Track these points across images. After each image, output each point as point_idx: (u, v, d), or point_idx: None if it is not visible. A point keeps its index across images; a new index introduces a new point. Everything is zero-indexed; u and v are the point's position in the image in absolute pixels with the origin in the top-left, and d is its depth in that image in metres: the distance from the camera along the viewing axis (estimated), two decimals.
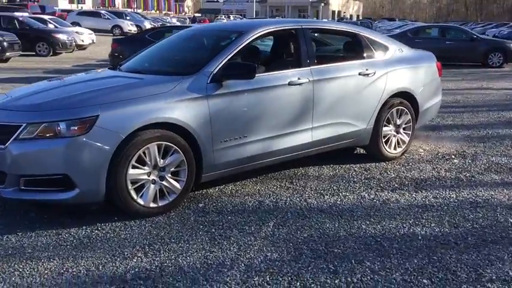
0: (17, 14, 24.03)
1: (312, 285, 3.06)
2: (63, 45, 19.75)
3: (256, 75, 4.61)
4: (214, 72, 4.32)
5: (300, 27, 5.12)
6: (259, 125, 4.61)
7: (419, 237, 3.76)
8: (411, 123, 5.90)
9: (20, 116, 3.85)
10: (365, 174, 5.30)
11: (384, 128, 5.64)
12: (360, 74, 5.33)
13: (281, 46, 5.87)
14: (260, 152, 4.68)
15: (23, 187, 3.80)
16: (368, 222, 4.04)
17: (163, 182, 4.12)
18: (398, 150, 5.86)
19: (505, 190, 4.82)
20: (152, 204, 4.07)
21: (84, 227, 3.88)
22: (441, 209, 4.34)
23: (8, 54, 15.91)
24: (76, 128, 3.71)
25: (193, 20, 27.89)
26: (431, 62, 6.24)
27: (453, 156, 6.06)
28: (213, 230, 3.85)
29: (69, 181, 3.73)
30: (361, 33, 5.63)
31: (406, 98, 5.79)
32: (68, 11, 39.74)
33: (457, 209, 4.34)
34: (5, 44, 15.61)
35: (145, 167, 3.99)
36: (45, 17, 25.08)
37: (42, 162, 3.72)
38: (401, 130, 5.85)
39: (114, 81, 4.59)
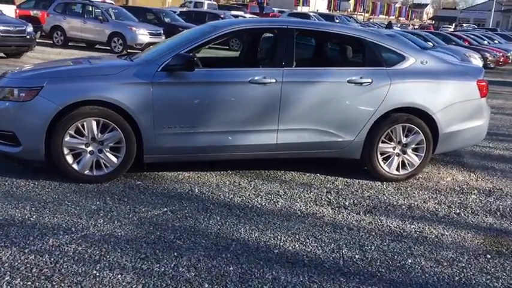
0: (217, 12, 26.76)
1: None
2: None
3: (213, 69, 4.76)
4: (168, 62, 4.61)
5: (284, 27, 5.02)
6: (212, 118, 4.74)
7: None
8: (424, 145, 5.22)
9: (2, 82, 4.75)
10: (338, 188, 4.95)
11: (382, 144, 5.14)
12: (349, 81, 4.97)
13: (258, 45, 5.77)
14: (212, 144, 4.80)
15: None
16: (266, 231, 3.90)
17: (101, 155, 4.60)
18: (402, 172, 5.26)
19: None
20: (87, 172, 4.60)
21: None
22: (361, 241, 3.91)
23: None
24: (24, 95, 4.44)
25: (388, 26, 27.14)
26: (467, 79, 5.38)
27: (475, 191, 5.17)
28: (109, 203, 4.19)
29: (16, 138, 4.49)
30: (367, 39, 5.20)
31: (419, 115, 5.16)
32: (296, 13, 41.28)
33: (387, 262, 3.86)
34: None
35: (83, 138, 4.53)
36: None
37: (0, 119, 4.55)
38: (409, 150, 5.23)
39: (89, 63, 5.20)
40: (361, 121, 5.04)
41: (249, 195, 4.60)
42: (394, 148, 5.20)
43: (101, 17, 18.10)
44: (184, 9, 30.00)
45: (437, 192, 5.07)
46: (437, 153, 5.53)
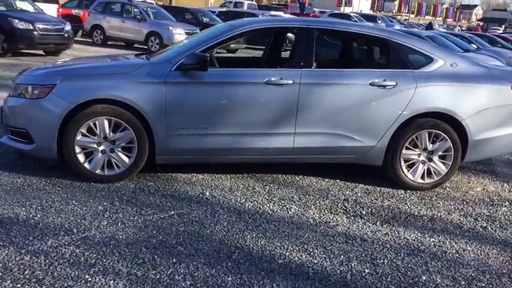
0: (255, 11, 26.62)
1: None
2: None
3: (228, 69, 4.64)
4: (182, 61, 4.49)
5: (304, 26, 4.82)
6: (225, 119, 4.60)
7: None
8: (452, 153, 4.92)
9: (19, 79, 4.75)
10: (357, 196, 4.72)
11: (406, 151, 4.87)
12: (371, 84, 4.73)
13: (277, 45, 5.57)
14: (225, 146, 4.67)
15: (10, 135, 4.70)
16: (273, 240, 3.73)
17: (113, 154, 4.53)
18: (428, 180, 4.98)
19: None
20: (98, 171, 4.54)
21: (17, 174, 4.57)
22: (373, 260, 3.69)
23: None
24: (37, 92, 4.42)
25: (429, 27, 26.34)
26: (501, 83, 5.03)
27: (506, 203, 4.84)
28: (117, 204, 4.11)
29: (29, 136, 4.47)
30: (391, 40, 4.93)
31: (447, 121, 4.86)
32: (337, 14, 40.64)
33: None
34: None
35: (95, 137, 4.47)
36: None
37: (15, 116, 4.55)
38: (435, 158, 4.94)
39: (107, 61, 5.14)
40: (384, 126, 4.79)
41: (261, 200, 4.43)
42: (419, 155, 4.92)
43: (139, 16, 18.30)
44: (224, 9, 30.06)
45: (465, 203, 4.77)
46: (467, 161, 5.21)
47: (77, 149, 4.45)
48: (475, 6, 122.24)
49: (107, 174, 4.55)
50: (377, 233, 3.94)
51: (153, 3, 25.50)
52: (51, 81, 4.43)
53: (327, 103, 4.69)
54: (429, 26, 27.60)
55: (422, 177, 4.97)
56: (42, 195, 4.16)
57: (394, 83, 4.75)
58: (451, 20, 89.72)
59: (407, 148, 4.88)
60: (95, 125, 4.43)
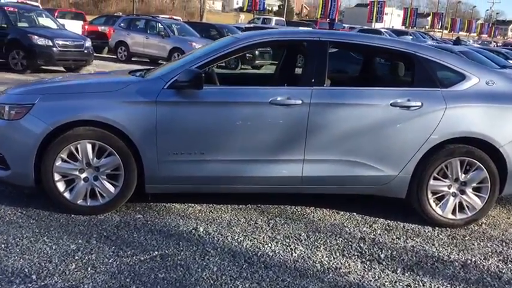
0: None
1: None
2: None
3: (227, 87, 4.11)
4: (176, 78, 3.97)
5: (315, 39, 4.23)
6: (225, 144, 4.04)
7: None
8: (488, 184, 4.23)
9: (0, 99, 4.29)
10: (375, 233, 4.07)
11: (434, 182, 4.21)
12: (393, 104, 4.10)
13: (287, 60, 4.98)
14: (224, 175, 4.10)
15: None
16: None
17: (96, 183, 4.01)
18: (460, 216, 4.29)
19: None
20: (80, 202, 4.02)
21: None
22: None
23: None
24: (14, 113, 3.95)
25: (456, 42, 25.27)
26: None
27: None
28: (93, 242, 3.57)
29: (4, 161, 4.00)
30: (417, 54, 4.29)
31: (482, 148, 4.18)
32: (367, 30, 39.92)
33: None
34: None
35: (77, 163, 3.96)
36: None
37: None
38: (468, 190, 4.25)
39: (95, 78, 4.65)
40: (408, 153, 4.14)
41: (263, 238, 3.83)
42: (449, 186, 4.24)
43: (162, 33, 18.05)
44: (251, 25, 29.76)
45: (504, 244, 4.05)
46: (507, 194, 4.48)
47: (56, 177, 3.95)
48: (511, 22, 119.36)
49: (90, 205, 4.03)
50: (397, 283, 3.28)
51: (179, 20, 25.40)
52: (29, 100, 3.96)
53: (341, 126, 4.08)
54: (457, 41, 26.49)
55: (453, 212, 4.28)
56: (11, 230, 3.66)
57: (419, 104, 4.11)
58: (486, 35, 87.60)
59: (435, 178, 4.21)
60: (76, 149, 3.93)
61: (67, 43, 13.18)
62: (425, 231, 4.19)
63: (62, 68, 13.88)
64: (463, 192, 4.26)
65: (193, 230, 3.88)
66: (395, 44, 4.37)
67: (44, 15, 14.58)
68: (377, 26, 53.63)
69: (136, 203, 4.28)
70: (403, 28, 59.09)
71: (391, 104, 4.10)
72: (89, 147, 3.92)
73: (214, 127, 4.01)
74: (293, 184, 4.19)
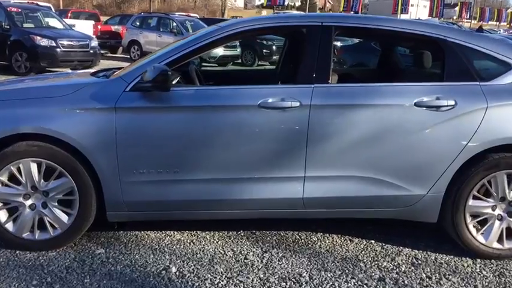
0: None
1: None
2: None
3: (203, 88, 3.27)
4: (140, 78, 3.14)
5: (317, 24, 3.33)
6: (203, 159, 3.19)
7: None
8: None
9: None
10: (399, 270, 3.17)
11: (473, 202, 3.29)
12: (418, 104, 3.19)
13: (286, 52, 4.09)
14: (204, 198, 3.25)
15: None
16: None
17: (46, 211, 3.22)
18: (508, 245, 3.36)
19: None
20: (26, 235, 3.24)
21: None
22: None
23: None
24: None
25: (479, 30, 23.76)
26: None
27: None
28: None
29: None
30: (448, 39, 3.36)
31: None
32: None
33: None
34: None
35: (20, 187, 3.18)
36: None
37: None
38: None
39: (40, 82, 3.82)
40: (439, 166, 3.23)
41: (252, 280, 2.97)
42: (493, 207, 3.31)
43: (175, 30, 17.31)
44: None
45: None
46: None
47: None
48: None
49: (38, 238, 3.25)
50: None
51: (196, 17, 24.66)
52: None
53: (351, 134, 3.19)
54: (479, 30, 24.90)
55: (500, 240, 3.35)
56: None
57: (452, 103, 3.19)
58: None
59: (475, 198, 3.29)
60: (18, 170, 3.14)
61: (72, 43, 12.56)
62: (463, 265, 3.26)
63: (68, 70, 13.24)
64: (511, 214, 3.32)
65: (163, 271, 3.04)
66: (420, 27, 3.43)
67: (50, 15, 13.99)
68: (402, 17, 52.01)
69: (103, 231, 3.47)
70: (429, 19, 57.27)
71: (415, 104, 3.19)
72: (34, 167, 3.13)
73: (190, 139, 3.17)
74: (292, 208, 3.32)
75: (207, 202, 3.27)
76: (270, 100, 3.15)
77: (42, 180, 3.17)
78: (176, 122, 3.16)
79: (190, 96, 3.18)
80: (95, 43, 13.19)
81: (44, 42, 12.10)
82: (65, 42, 12.41)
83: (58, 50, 12.17)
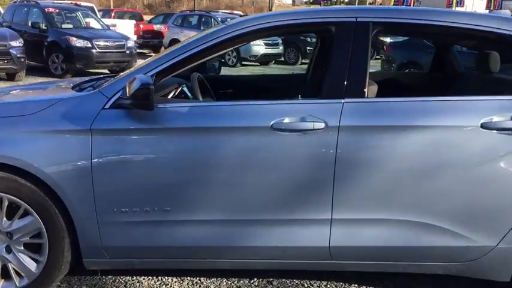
0: None
1: None
2: None
3: (199, 104, 2.58)
4: (123, 92, 2.48)
5: (351, 20, 2.56)
6: (199, 196, 2.50)
7: None
8: None
9: None
10: None
11: None
12: (485, 125, 2.37)
13: (316, 57, 3.28)
14: (203, 244, 2.56)
15: None
16: None
17: (9, 256, 2.62)
18: None
19: None
20: None
21: None
22: None
23: None
24: None
25: None
26: None
27: None
28: None
29: None
30: None
31: None
32: None
33: None
34: None
35: None
36: None
37: None
38: None
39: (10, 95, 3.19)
40: None
41: None
42: None
43: None
44: None
45: None
46: None
47: None
48: None
49: None
50: None
51: (240, 14, 24.05)
52: None
53: (393, 165, 2.41)
54: None
55: None
56: None
57: None
58: None
59: None
60: None
61: (107, 44, 12.19)
62: None
63: (105, 71, 12.91)
64: None
65: None
66: (485, 22, 2.58)
67: (89, 15, 13.72)
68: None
69: (87, 276, 2.85)
70: (486, 12, 54.44)
71: (482, 126, 2.37)
72: None
73: (184, 170, 2.48)
74: (316, 258, 2.57)
75: (206, 249, 2.58)
76: (286, 120, 2.41)
77: (4, 219, 2.56)
78: (166, 148, 2.48)
79: (183, 115, 2.49)
80: (131, 43, 12.79)
81: (79, 43, 11.79)
82: (101, 43, 12.06)
83: (93, 51, 11.83)
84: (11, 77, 10.82)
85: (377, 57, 15.05)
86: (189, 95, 2.99)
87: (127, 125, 2.46)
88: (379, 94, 2.67)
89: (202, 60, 2.72)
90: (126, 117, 2.47)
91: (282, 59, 16.96)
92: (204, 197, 2.49)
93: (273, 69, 15.67)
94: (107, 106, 2.50)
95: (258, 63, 16.20)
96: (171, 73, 2.62)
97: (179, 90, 2.98)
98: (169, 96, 2.84)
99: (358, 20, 2.55)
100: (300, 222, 2.49)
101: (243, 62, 15.85)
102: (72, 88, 2.90)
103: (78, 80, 3.33)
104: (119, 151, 2.48)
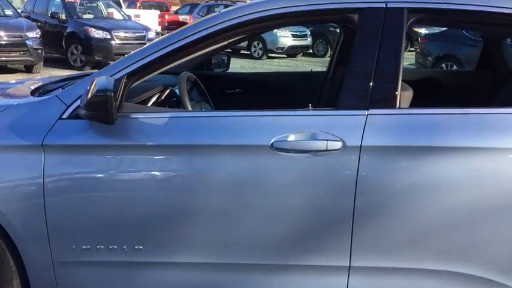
0: None
1: None
2: None
3: (183, 113, 2.01)
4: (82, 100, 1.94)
5: (379, 5, 1.94)
6: (180, 232, 1.95)
7: None
8: None
9: None
10: None
11: None
12: None
13: (338, 51, 2.65)
14: None
15: None
16: None
17: None
18: None
19: None
20: None
21: None
22: None
23: None
24: None
25: None
26: None
27: None
28: None
29: None
30: None
31: None
32: None
33: None
34: None
35: None
36: None
37: None
38: None
39: None
40: None
41: None
42: None
43: None
44: None
45: None
46: None
47: None
48: None
49: None
50: None
51: None
52: None
53: (434, 199, 1.80)
54: None
55: None
56: None
57: None
58: None
59: None
60: None
61: (127, 35, 11.78)
62: None
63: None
64: None
65: None
66: None
67: (110, 5, 13.35)
68: None
69: None
70: None
71: None
72: None
73: (158, 199, 1.93)
74: None
75: None
76: (291, 137, 1.83)
77: None
78: (137, 171, 1.93)
79: (157, 129, 1.93)
80: (152, 34, 12.34)
81: (98, 34, 11.42)
82: (121, 34, 11.66)
83: (113, 42, 11.43)
84: (28, 69, 10.52)
85: (411, 49, 14.26)
86: None
87: (88, 140, 1.93)
88: (414, 101, 2.06)
89: (192, 56, 2.14)
90: (88, 130, 1.93)
91: (310, 51, 16.26)
92: (186, 233, 1.94)
93: (300, 61, 15.00)
94: (65, 116, 1.96)
95: (285, 56, 15.56)
96: (151, 72, 2.06)
97: (167, 93, 2.43)
98: (152, 102, 2.29)
99: (389, 5, 1.93)
100: (309, 270, 1.92)
101: (269, 55, 15.23)
102: (33, 91, 2.37)
103: (52, 79, 2.80)
104: (78, 173, 1.94)
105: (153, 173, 1.91)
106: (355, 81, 1.89)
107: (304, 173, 1.83)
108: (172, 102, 2.41)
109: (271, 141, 1.83)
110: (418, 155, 1.80)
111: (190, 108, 2.19)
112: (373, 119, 1.83)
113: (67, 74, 10.52)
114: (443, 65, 8.87)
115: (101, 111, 1.77)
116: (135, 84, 2.05)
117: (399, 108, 1.87)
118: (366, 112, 1.84)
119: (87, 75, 2.42)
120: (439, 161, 1.80)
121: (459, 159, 1.78)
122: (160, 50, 2.00)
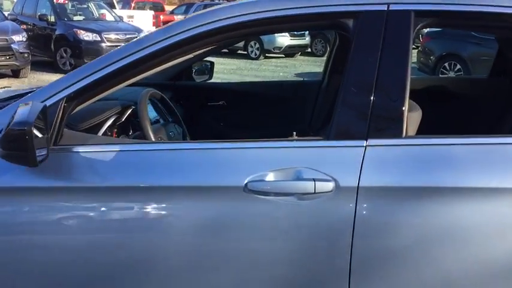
0: None
1: None
2: None
3: (138, 145, 1.61)
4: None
5: (380, 8, 1.54)
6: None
7: None
8: None
9: None
10: None
11: None
12: None
13: (332, 59, 2.24)
14: None
15: None
16: None
17: None
18: None
19: None
20: None
21: None
22: None
23: None
24: None
25: None
26: None
27: None
28: None
29: None
30: None
31: None
32: None
33: None
34: None
35: None
36: None
37: None
38: None
39: None
40: None
41: None
42: None
43: None
44: None
45: None
46: None
47: None
48: None
49: None
50: None
51: None
52: None
53: (450, 252, 1.40)
54: None
55: None
56: None
57: None
58: None
59: None
60: None
61: (118, 37, 11.38)
62: None
63: None
64: None
65: None
66: None
67: (101, 6, 12.97)
68: None
69: None
70: None
71: None
72: None
73: (105, 258, 1.53)
74: None
75: None
76: (269, 177, 1.44)
77: None
78: (77, 217, 1.54)
79: (103, 165, 1.53)
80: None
81: (88, 36, 11.02)
82: (112, 36, 11.26)
83: (103, 44, 11.03)
84: (15, 73, 10.14)
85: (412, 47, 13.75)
86: (150, 118, 2.02)
87: (12, 181, 1.53)
88: (422, 131, 1.65)
89: (153, 71, 1.74)
90: (12, 167, 1.52)
91: (309, 50, 15.84)
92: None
93: (299, 61, 14.60)
94: None
95: (283, 55, 15.15)
96: (100, 93, 1.67)
97: (129, 112, 2.04)
98: (105, 127, 1.89)
99: (392, 8, 1.53)
100: None
101: (267, 55, 14.83)
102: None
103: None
104: (5, 225, 1.55)
105: (93, 224, 1.51)
106: (351, 101, 1.50)
107: (286, 223, 1.44)
108: (137, 124, 2.02)
109: (245, 182, 1.44)
110: (431, 199, 1.41)
111: (151, 135, 1.80)
112: (374, 151, 1.44)
113: (56, 78, 10.16)
114: (446, 64, 8.47)
115: (19, 151, 1.37)
116: (80, 107, 1.66)
117: (406, 137, 1.47)
118: (365, 143, 1.45)
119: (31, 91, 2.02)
120: (458, 205, 1.40)
121: (483, 203, 1.39)
122: (110, 65, 1.61)
